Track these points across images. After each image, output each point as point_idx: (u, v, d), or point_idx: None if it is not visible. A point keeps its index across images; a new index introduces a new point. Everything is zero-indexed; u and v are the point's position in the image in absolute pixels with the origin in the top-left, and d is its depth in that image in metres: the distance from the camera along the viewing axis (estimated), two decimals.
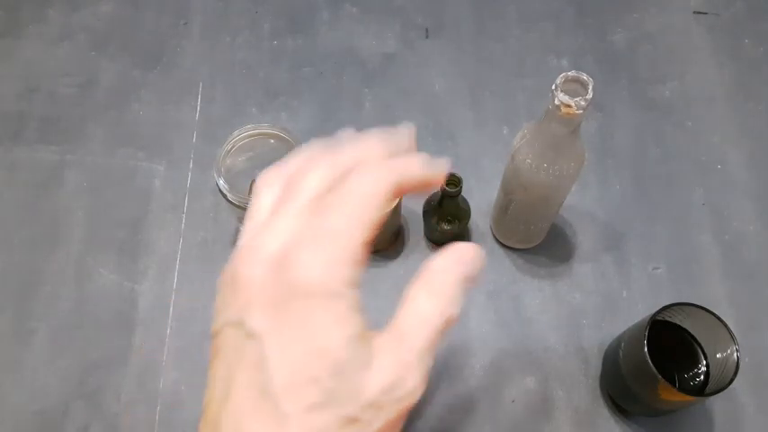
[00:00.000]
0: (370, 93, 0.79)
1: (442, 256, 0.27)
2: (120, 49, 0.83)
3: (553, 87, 0.47)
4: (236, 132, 0.59)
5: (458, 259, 0.27)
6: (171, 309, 0.66)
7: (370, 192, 0.25)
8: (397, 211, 0.62)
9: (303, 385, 0.23)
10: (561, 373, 0.63)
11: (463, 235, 0.70)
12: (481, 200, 0.71)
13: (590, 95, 0.46)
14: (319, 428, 0.23)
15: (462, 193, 0.62)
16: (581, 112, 0.46)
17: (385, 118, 0.78)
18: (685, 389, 0.54)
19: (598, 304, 0.66)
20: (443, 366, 0.63)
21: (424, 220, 0.67)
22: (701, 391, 0.53)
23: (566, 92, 0.46)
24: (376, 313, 0.71)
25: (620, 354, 0.55)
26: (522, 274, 0.68)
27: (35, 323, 0.65)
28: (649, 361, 0.49)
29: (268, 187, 0.29)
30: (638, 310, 0.66)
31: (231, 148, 0.59)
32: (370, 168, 0.26)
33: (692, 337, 0.55)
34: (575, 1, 0.86)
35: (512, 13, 0.85)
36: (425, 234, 0.70)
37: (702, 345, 0.55)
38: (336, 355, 0.24)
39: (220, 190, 0.57)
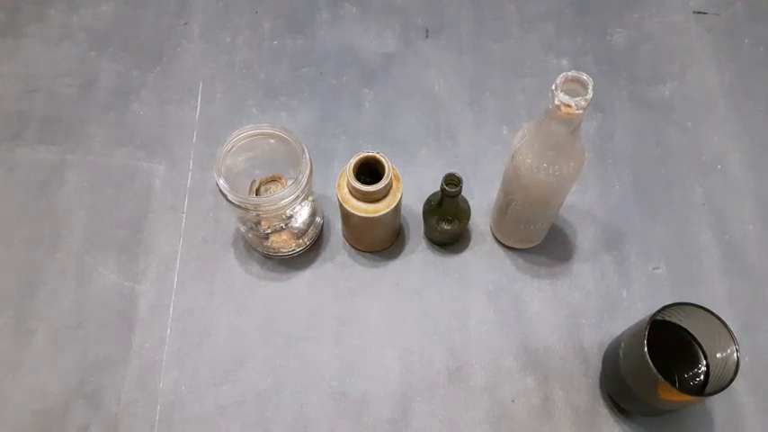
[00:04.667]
0: (370, 93, 0.79)
1: None
2: (120, 49, 0.83)
3: (553, 87, 0.47)
4: (236, 132, 0.59)
5: None
6: (171, 309, 0.66)
7: None
8: (397, 211, 0.62)
9: None
10: (561, 373, 0.63)
11: (463, 235, 0.70)
12: (481, 200, 0.71)
13: (590, 95, 0.46)
14: None
15: (462, 193, 0.62)
16: (581, 112, 0.46)
17: (385, 118, 0.78)
18: (685, 389, 0.54)
19: (598, 304, 0.66)
20: (444, 366, 0.63)
21: (424, 220, 0.67)
22: (701, 391, 0.53)
23: (566, 92, 0.46)
24: (376, 313, 0.71)
25: (620, 354, 0.55)
26: (522, 274, 0.68)
27: (35, 323, 0.65)
28: (649, 361, 0.48)
29: None
30: (638, 310, 0.66)
31: (231, 148, 0.59)
32: None
33: (692, 337, 0.55)
34: (575, 1, 0.86)
35: (512, 13, 0.85)
36: (425, 234, 0.70)
37: (702, 345, 0.55)
38: None
39: (220, 190, 0.57)
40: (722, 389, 0.48)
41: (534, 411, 0.61)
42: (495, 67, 0.81)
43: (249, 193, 0.66)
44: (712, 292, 0.67)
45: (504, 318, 0.66)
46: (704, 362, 0.54)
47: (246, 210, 0.57)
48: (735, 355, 0.49)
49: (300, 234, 0.66)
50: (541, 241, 0.69)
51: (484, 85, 0.80)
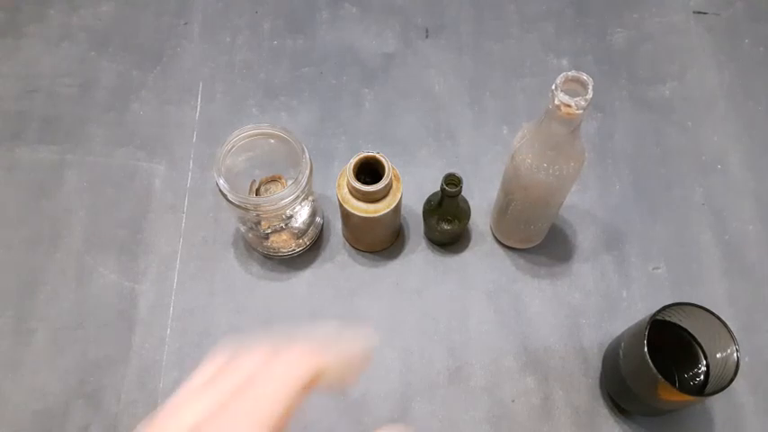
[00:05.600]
0: (370, 93, 0.79)
1: None
2: (120, 49, 0.83)
3: (553, 87, 0.47)
4: (236, 132, 0.59)
5: None
6: (171, 309, 0.66)
7: (289, 377, 0.27)
8: (397, 210, 0.62)
9: None
10: (561, 373, 0.63)
11: (463, 235, 0.70)
12: (481, 200, 0.71)
13: (590, 95, 0.46)
14: None
15: (462, 193, 0.62)
16: (581, 112, 0.46)
17: (385, 118, 0.78)
18: (685, 389, 0.54)
19: (598, 304, 0.66)
20: (444, 366, 0.63)
21: (424, 220, 0.67)
22: (701, 391, 0.53)
23: (566, 92, 0.46)
24: (376, 313, 0.71)
25: (620, 354, 0.55)
26: (522, 274, 0.68)
27: (35, 323, 0.65)
28: (649, 361, 0.49)
29: (218, 356, 0.31)
30: (638, 310, 0.66)
31: (231, 148, 0.59)
32: (295, 353, 0.29)
33: (692, 337, 0.55)
34: (575, 1, 0.86)
35: (512, 13, 0.85)
36: (425, 234, 0.70)
37: (702, 345, 0.55)
38: None
39: (220, 190, 0.57)
40: (722, 389, 0.48)
41: (534, 411, 0.61)
42: (495, 67, 0.81)
43: (249, 193, 0.66)
44: (712, 292, 0.67)
45: (504, 318, 0.66)
46: (704, 362, 0.54)
47: (246, 210, 0.57)
48: (735, 355, 0.49)
49: (300, 234, 0.66)
50: (541, 241, 0.69)
51: (484, 85, 0.80)
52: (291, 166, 0.60)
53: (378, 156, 0.59)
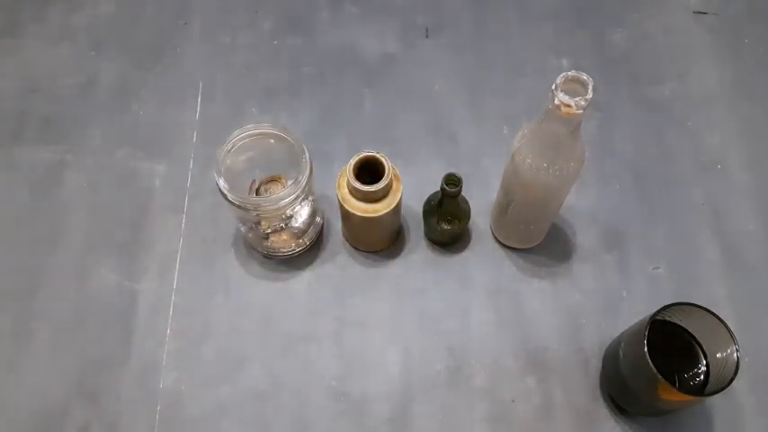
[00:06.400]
0: (370, 93, 0.79)
1: None
2: (120, 49, 0.83)
3: (553, 87, 0.46)
4: (236, 132, 0.59)
5: None
6: (171, 309, 0.66)
7: None
8: (397, 210, 0.62)
9: None
10: (561, 373, 0.63)
11: (463, 235, 0.70)
12: (481, 200, 0.71)
13: (590, 95, 0.46)
14: None
15: (462, 193, 0.62)
16: (581, 111, 0.46)
17: (385, 118, 0.78)
18: (685, 389, 0.54)
19: (598, 304, 0.66)
20: (444, 366, 0.63)
21: (424, 220, 0.67)
22: (701, 391, 0.53)
23: (566, 92, 0.46)
24: (376, 313, 0.71)
25: (620, 354, 0.55)
26: (522, 274, 0.68)
27: (35, 323, 0.65)
28: (649, 361, 0.48)
29: None
30: (638, 310, 0.66)
31: (231, 148, 0.59)
32: None
33: (692, 336, 0.55)
34: (575, 1, 0.86)
35: (512, 13, 0.85)
36: (425, 234, 0.70)
37: (702, 344, 0.55)
38: None
39: (220, 190, 0.57)
40: (722, 389, 0.48)
41: (534, 411, 0.61)
42: (495, 67, 0.81)
43: (249, 193, 0.66)
44: (712, 292, 0.67)
45: (504, 318, 0.66)
46: (704, 362, 0.54)
47: (246, 210, 0.57)
48: (735, 355, 0.49)
49: (300, 234, 0.66)
50: (541, 241, 0.69)
51: (484, 85, 0.80)
52: (291, 166, 0.60)
53: (378, 156, 0.59)
